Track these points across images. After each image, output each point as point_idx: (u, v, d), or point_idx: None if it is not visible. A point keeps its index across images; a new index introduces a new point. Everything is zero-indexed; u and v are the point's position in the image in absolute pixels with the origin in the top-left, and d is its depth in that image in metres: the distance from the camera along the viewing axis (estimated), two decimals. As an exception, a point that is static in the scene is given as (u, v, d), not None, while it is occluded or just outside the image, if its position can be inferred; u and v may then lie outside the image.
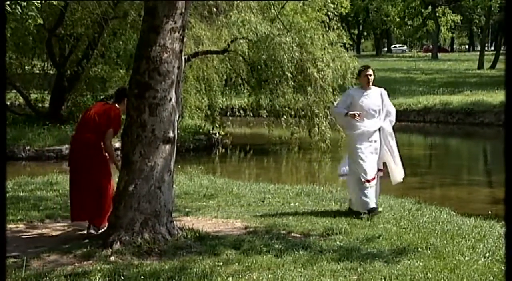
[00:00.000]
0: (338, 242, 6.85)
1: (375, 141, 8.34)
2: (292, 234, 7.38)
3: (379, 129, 8.38)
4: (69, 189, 7.64)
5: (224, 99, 21.81)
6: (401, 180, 8.56)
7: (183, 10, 6.82)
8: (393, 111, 8.54)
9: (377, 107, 8.42)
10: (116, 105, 7.57)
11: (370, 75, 8.45)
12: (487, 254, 6.32)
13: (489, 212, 9.82)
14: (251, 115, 20.82)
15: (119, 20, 19.47)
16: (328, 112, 18.96)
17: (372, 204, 8.26)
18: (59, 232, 7.57)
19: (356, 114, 8.27)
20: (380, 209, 8.53)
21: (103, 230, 7.23)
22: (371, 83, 8.47)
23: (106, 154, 7.47)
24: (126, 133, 6.84)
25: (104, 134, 7.40)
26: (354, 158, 8.37)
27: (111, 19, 18.90)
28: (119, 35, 20.67)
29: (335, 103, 8.75)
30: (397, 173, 8.49)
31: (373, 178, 8.29)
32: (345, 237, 7.11)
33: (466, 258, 6.16)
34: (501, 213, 10.93)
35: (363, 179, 8.23)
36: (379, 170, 8.46)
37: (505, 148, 3.01)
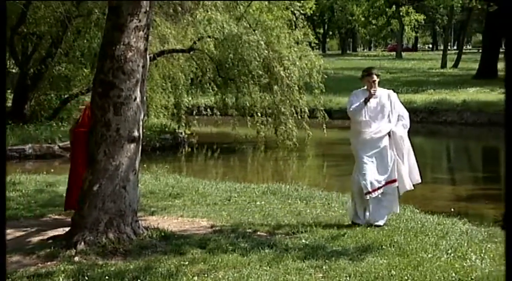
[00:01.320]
0: (303, 240, 6.89)
1: (382, 147, 7.63)
2: (258, 232, 7.40)
3: (389, 134, 7.71)
4: (69, 178, 8.21)
5: (190, 98, 21.71)
6: (410, 188, 7.76)
7: (148, 9, 6.79)
8: (405, 115, 7.90)
9: (386, 109, 7.77)
10: None
11: (374, 81, 7.81)
12: (449, 251, 6.41)
13: (452, 209, 9.98)
14: (218, 114, 20.77)
15: (83, 19, 19.26)
16: (294, 110, 19.01)
17: (358, 220, 7.65)
18: (22, 233, 7.45)
19: (371, 92, 7.69)
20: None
21: None
22: (376, 87, 7.84)
23: None
24: (90, 132, 6.79)
25: None
26: (358, 167, 7.71)
27: (75, 17, 18.68)
28: (83, 34, 20.45)
29: (348, 106, 7.86)
30: (406, 181, 7.68)
31: (375, 189, 7.56)
32: (311, 235, 7.15)
33: (429, 255, 6.25)
34: (463, 210, 11.11)
35: (364, 191, 7.56)
36: (388, 182, 7.63)
37: (505, 148, 3.02)
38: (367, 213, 7.68)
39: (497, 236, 7.25)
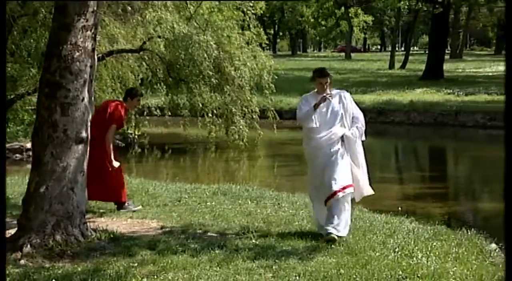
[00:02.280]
0: (253, 241, 6.90)
1: (334, 153, 7.03)
2: (208, 233, 7.38)
3: (342, 139, 7.14)
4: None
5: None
6: (367, 193, 7.30)
7: (95, 8, 6.70)
8: (360, 116, 7.28)
9: (338, 113, 7.16)
10: (121, 102, 8.61)
11: (327, 83, 7.24)
12: (396, 249, 6.51)
13: (399, 208, 10.14)
14: (169, 114, 20.62)
15: (29, 18, 18.87)
16: (245, 110, 19.04)
17: (324, 230, 6.89)
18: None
19: (324, 96, 7.06)
20: (340, 234, 6.89)
21: (130, 206, 8.62)
22: (327, 90, 7.26)
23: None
24: (37, 133, 6.67)
25: (105, 128, 8.30)
26: (310, 175, 7.25)
27: (20, 16, 18.28)
28: (30, 33, 20.03)
29: (297, 111, 7.31)
30: (363, 186, 7.23)
31: (331, 197, 6.95)
32: (261, 235, 7.16)
33: (377, 254, 6.33)
34: (411, 209, 11.31)
35: (320, 199, 7.08)
36: (344, 187, 6.99)
37: (505, 149, 3.06)
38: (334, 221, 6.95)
39: (442, 234, 7.40)
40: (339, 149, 7.09)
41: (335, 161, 7.03)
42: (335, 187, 6.95)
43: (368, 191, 7.31)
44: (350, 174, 7.11)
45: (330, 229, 6.86)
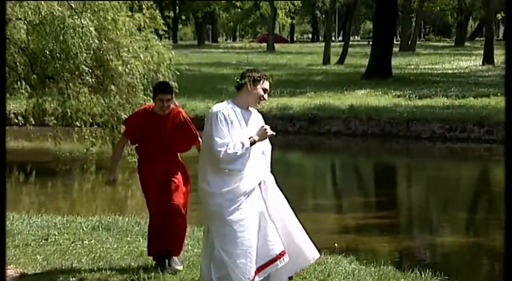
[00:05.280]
0: (146, 290, 6.87)
1: (259, 205, 6.33)
2: (86, 282, 7.32)
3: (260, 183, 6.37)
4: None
5: (-7, 102, 21.07)
6: (313, 258, 6.63)
7: None
8: (270, 149, 6.62)
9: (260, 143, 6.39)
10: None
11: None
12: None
13: (336, 244, 10.26)
14: (32, 123, 20.29)
15: None
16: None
17: None
18: None
19: (266, 130, 6.27)
20: None
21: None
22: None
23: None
24: None
25: None
26: (225, 241, 6.34)
27: None
28: None
29: (216, 145, 6.18)
30: (307, 249, 6.50)
31: (266, 265, 6.31)
32: (155, 283, 7.15)
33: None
34: (351, 245, 11.48)
35: (245, 278, 6.21)
36: (272, 260, 6.32)
37: (505, 150, 3.28)
38: None
39: (390, 277, 7.54)
40: (261, 199, 6.38)
41: (260, 220, 6.32)
42: (275, 251, 6.33)
43: (313, 254, 6.58)
44: (279, 239, 6.38)
45: None
